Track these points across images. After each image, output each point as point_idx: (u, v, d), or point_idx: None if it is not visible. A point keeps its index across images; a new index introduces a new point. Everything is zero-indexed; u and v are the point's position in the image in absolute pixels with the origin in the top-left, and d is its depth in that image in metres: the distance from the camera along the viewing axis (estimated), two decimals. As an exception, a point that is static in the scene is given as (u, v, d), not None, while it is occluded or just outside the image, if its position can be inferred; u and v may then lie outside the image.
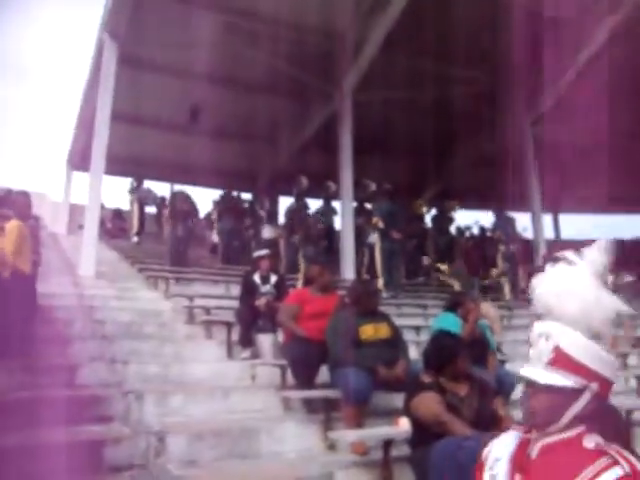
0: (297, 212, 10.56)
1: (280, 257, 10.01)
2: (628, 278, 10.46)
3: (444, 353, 3.27)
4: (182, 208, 10.33)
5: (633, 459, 1.33)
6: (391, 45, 10.61)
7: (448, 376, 3.20)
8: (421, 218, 12.36)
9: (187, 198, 10.92)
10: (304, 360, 4.57)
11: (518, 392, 4.86)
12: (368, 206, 11.06)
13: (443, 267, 8.63)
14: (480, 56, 11.47)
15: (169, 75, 11.98)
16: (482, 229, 12.47)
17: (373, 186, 10.76)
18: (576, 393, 1.41)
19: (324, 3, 10.33)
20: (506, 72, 12.52)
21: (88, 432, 3.67)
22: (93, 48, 10.89)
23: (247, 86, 12.65)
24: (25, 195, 5.54)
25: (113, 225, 14.50)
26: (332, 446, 4.02)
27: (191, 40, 10.43)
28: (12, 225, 4.94)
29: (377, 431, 3.81)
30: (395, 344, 4.43)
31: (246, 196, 13.98)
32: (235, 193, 13.26)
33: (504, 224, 11.08)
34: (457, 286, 8.87)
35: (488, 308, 7.68)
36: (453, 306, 5.21)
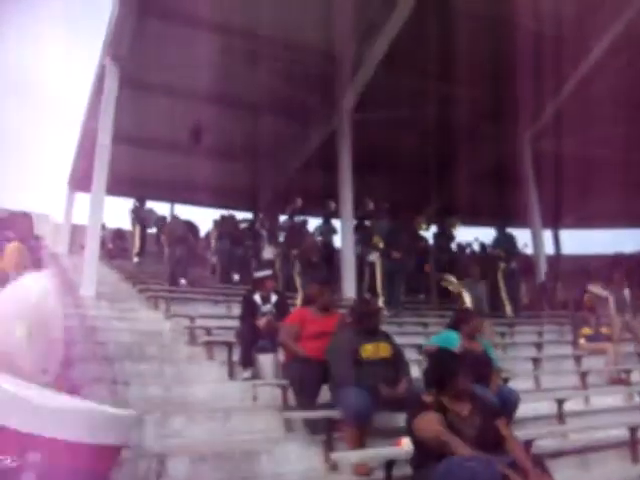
0: (291, 230, 10.62)
1: (278, 276, 10.00)
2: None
3: (443, 371, 3.26)
4: (178, 233, 10.43)
5: None
6: (390, 64, 10.72)
7: (450, 395, 3.19)
8: (421, 236, 12.36)
9: (184, 222, 11.02)
10: (305, 380, 4.55)
11: (521, 411, 4.84)
12: (367, 224, 11.06)
13: (451, 279, 8.42)
14: (478, 74, 11.56)
15: (170, 96, 12.07)
16: (483, 246, 12.47)
17: (371, 205, 10.78)
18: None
19: (323, 24, 10.45)
20: (505, 90, 12.61)
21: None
22: (95, 70, 11.01)
23: (247, 106, 12.74)
24: (27, 216, 5.57)
25: (114, 245, 14.51)
26: (334, 467, 3.98)
27: (192, 61, 10.53)
28: (12, 247, 4.96)
29: (379, 451, 3.79)
30: (396, 363, 4.41)
31: (247, 215, 14.04)
32: (235, 213, 13.28)
33: (504, 241, 11.07)
34: (467, 299, 8.65)
35: (486, 326, 7.65)
36: (457, 323, 5.19)
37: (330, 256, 11.20)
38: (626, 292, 10.02)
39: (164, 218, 13.90)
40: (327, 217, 11.74)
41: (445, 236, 12.37)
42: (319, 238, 11.35)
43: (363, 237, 10.61)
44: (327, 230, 11.59)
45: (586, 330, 8.35)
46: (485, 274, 9.50)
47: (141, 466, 3.50)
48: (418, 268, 11.72)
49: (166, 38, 10.13)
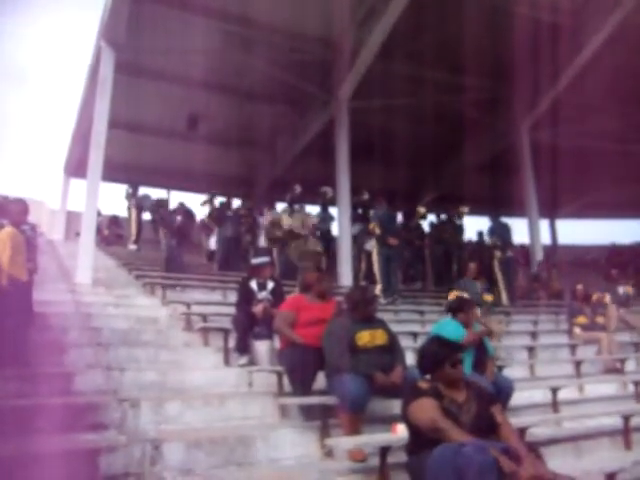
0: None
1: (275, 264, 9.99)
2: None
3: (432, 358, 3.27)
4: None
5: None
6: (387, 53, 10.65)
7: (444, 382, 3.19)
8: (418, 224, 12.35)
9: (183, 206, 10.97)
10: (301, 367, 4.55)
11: (516, 399, 4.86)
12: (364, 212, 11.07)
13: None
14: (477, 63, 11.51)
15: (167, 82, 12.00)
16: (480, 234, 12.46)
17: (366, 195, 10.77)
18: None
19: (321, 12, 10.38)
20: (503, 79, 12.57)
21: (83, 440, 3.64)
22: (91, 55, 10.92)
23: (245, 94, 12.68)
24: (21, 202, 5.53)
25: (110, 232, 14.48)
26: (329, 453, 3.99)
27: (189, 48, 10.47)
28: (5, 233, 4.93)
29: (374, 437, 3.79)
30: (392, 350, 4.41)
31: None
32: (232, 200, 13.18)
33: (500, 230, 11.07)
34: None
35: (492, 324, 7.65)
36: (453, 312, 5.20)
37: (328, 244, 11.21)
38: (621, 288, 10.15)
39: (161, 201, 13.76)
40: (324, 205, 11.73)
41: (453, 226, 12.32)
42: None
43: (360, 225, 10.61)
44: (324, 218, 11.58)
45: (581, 319, 8.38)
46: (481, 271, 9.42)
47: (136, 451, 3.50)
48: (415, 256, 11.75)
49: (163, 23, 10.04)
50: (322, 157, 12.04)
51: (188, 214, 13.44)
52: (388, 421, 4.04)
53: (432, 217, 12.79)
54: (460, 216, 12.37)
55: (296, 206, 10.82)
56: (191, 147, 13.82)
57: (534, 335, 8.68)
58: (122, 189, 13.87)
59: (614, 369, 7.34)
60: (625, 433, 4.68)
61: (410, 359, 4.85)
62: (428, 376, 3.33)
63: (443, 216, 12.62)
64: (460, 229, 12.38)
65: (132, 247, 13.09)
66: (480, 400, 3.20)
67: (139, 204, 13.45)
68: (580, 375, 6.96)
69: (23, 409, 3.77)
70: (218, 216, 11.48)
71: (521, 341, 8.29)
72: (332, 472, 3.71)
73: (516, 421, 3.89)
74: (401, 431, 3.49)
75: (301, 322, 4.80)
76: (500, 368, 5.67)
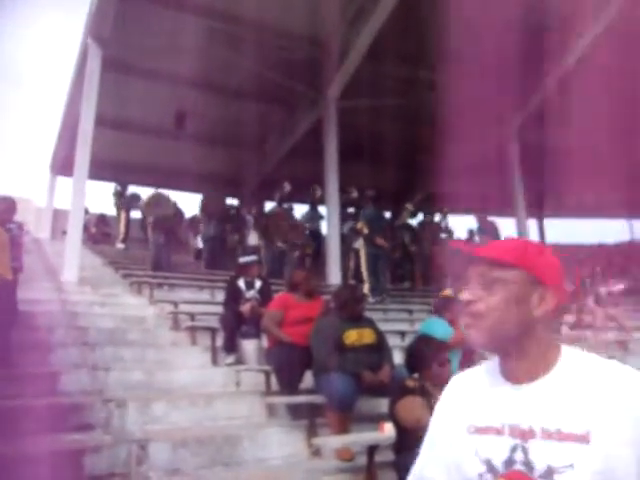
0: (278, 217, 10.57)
1: (262, 263, 9.96)
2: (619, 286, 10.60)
3: (419, 357, 3.28)
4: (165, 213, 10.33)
5: None
6: (376, 52, 10.65)
7: (431, 380, 3.20)
8: (408, 224, 12.36)
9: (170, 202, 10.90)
10: (288, 366, 4.55)
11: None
12: (352, 211, 11.07)
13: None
14: (466, 63, 11.53)
15: (154, 80, 11.91)
16: (470, 233, 12.52)
17: (355, 193, 10.77)
18: None
19: (309, 10, 10.35)
20: (492, 79, 12.60)
21: (69, 440, 3.61)
22: (77, 52, 10.82)
23: (233, 92, 12.62)
24: (7, 200, 5.47)
25: (97, 230, 14.36)
26: (317, 452, 4.00)
27: (176, 45, 10.39)
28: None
29: (362, 437, 3.80)
30: (379, 349, 4.42)
31: (232, 201, 13.93)
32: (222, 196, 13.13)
33: (487, 229, 11.12)
34: None
35: None
36: (440, 310, 5.21)
37: (317, 243, 11.20)
38: (603, 288, 10.20)
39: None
40: (313, 204, 11.73)
41: (433, 226, 12.37)
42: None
43: (351, 223, 10.61)
44: (313, 217, 11.57)
45: (568, 318, 8.44)
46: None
47: (122, 451, 3.48)
48: (403, 255, 11.76)
49: (150, 21, 9.97)
50: (311, 156, 12.01)
51: (177, 212, 13.38)
52: (376, 420, 4.04)
53: (420, 216, 12.85)
54: (444, 216, 12.43)
55: (285, 205, 10.81)
56: (179, 145, 13.73)
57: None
58: (109, 187, 13.80)
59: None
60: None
61: (398, 358, 4.85)
62: (416, 375, 3.33)
63: (427, 216, 12.69)
64: (445, 229, 12.43)
65: (120, 246, 13.00)
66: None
67: (127, 203, 13.36)
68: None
69: (8, 410, 3.73)
70: (210, 212, 11.43)
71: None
72: (319, 471, 3.71)
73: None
74: (388, 430, 3.49)
75: (289, 321, 4.80)
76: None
